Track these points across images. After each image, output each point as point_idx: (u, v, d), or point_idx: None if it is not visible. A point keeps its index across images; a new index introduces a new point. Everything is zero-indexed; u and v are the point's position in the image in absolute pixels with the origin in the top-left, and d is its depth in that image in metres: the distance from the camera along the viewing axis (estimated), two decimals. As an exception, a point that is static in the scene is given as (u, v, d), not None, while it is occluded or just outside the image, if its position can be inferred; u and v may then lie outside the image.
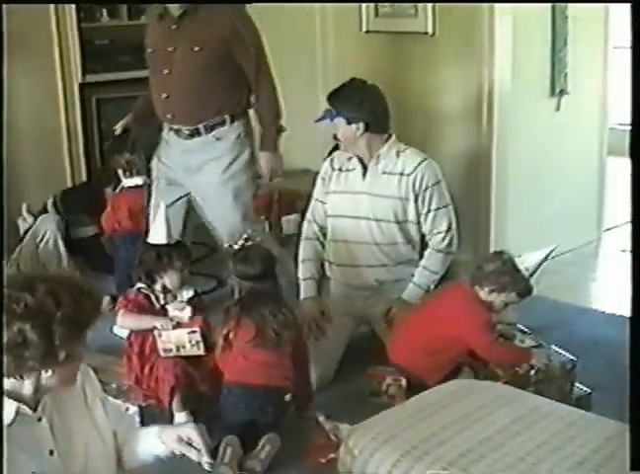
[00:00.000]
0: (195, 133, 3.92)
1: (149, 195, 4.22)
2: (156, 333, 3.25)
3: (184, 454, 2.00)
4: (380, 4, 4.93)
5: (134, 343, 3.34)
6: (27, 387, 1.77)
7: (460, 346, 3.27)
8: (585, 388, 3.27)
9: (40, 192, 5.00)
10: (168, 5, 3.84)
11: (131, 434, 2.12)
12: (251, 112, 4.04)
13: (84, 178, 5.26)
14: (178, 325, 3.26)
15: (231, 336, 3.09)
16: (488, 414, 2.48)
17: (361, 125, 3.63)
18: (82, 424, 1.93)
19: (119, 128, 4.31)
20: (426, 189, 3.64)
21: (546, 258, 3.24)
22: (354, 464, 2.39)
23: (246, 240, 3.29)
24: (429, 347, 3.29)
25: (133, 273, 3.43)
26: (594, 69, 5.10)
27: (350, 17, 5.09)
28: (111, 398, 3.05)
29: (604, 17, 5.08)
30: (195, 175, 4.00)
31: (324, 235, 3.86)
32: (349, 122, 3.64)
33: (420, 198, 3.65)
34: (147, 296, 3.35)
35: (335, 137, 3.77)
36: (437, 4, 4.64)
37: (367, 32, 5.04)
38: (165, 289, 3.35)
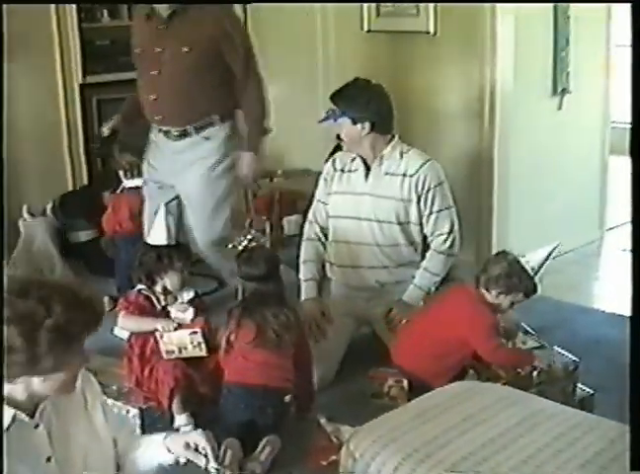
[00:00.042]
0: (184, 134, 3.90)
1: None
2: (158, 335, 3.24)
3: (187, 462, 1.98)
4: (382, 4, 4.92)
5: (135, 344, 3.33)
6: (19, 392, 1.75)
7: (465, 349, 3.24)
8: (587, 389, 3.25)
9: (40, 192, 4.99)
10: (156, 5, 3.79)
11: (132, 441, 2.10)
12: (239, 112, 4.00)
13: (85, 179, 5.25)
14: (179, 326, 3.25)
15: (232, 337, 3.09)
16: (491, 416, 2.46)
17: (367, 125, 3.61)
18: (81, 430, 1.92)
19: (106, 130, 4.26)
20: (428, 190, 3.63)
21: (550, 255, 3.23)
22: (355, 467, 2.37)
23: (250, 241, 3.28)
24: (433, 350, 3.27)
25: (134, 274, 3.42)
26: (596, 68, 5.09)
27: (351, 16, 5.08)
28: (111, 401, 3.06)
29: (607, 16, 5.07)
30: (181, 174, 3.97)
31: (325, 236, 3.85)
32: (354, 122, 3.61)
33: (422, 200, 3.64)
34: (148, 298, 3.34)
35: (338, 137, 3.75)
36: (438, 4, 4.63)
37: (369, 31, 5.03)
38: (166, 291, 3.35)
